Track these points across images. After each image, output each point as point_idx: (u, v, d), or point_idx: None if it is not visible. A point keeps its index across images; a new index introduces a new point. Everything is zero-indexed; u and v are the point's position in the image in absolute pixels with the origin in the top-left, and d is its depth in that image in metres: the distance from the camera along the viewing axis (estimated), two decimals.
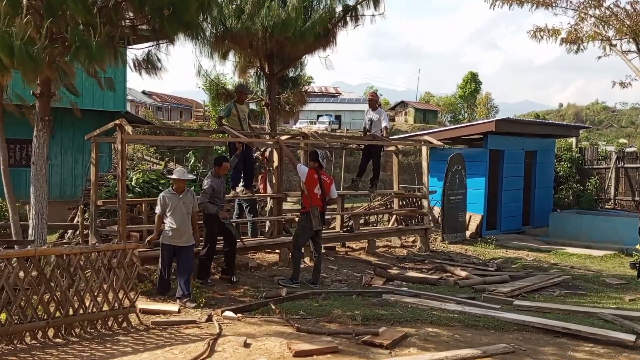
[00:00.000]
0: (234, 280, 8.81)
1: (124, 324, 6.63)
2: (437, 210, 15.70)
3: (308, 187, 9.11)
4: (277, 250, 10.76)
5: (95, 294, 6.46)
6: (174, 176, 8.00)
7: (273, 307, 7.50)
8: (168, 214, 7.78)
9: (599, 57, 17.07)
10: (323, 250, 11.83)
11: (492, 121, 16.23)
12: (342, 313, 7.27)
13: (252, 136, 10.31)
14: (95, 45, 6.69)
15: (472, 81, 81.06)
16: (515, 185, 17.23)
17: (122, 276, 6.67)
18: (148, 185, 11.21)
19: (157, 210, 7.90)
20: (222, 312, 7.18)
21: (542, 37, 13.97)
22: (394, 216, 13.91)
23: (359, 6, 11.77)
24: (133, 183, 11.00)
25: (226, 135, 10.29)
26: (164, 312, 7.13)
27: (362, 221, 14.67)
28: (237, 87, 11.36)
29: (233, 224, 9.38)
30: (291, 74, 14.08)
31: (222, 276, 8.96)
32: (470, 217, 15.67)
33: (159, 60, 8.88)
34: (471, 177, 15.55)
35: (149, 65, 8.68)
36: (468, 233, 15.36)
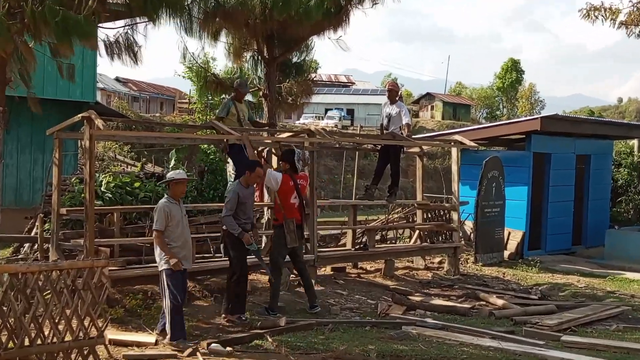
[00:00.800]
0: (245, 319, 8.55)
1: (90, 358, 6.64)
2: (469, 225, 15.64)
3: (282, 197, 9.12)
4: None
5: (56, 320, 6.48)
6: (173, 176, 7.57)
7: (270, 339, 7.49)
8: (170, 230, 7.37)
9: None
10: (330, 272, 11.84)
11: (536, 118, 16.19)
12: (353, 348, 7.25)
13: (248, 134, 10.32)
14: (82, 18, 6.70)
15: (513, 70, 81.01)
16: (564, 196, 17.16)
17: (88, 300, 6.68)
18: (121, 190, 11.25)
19: (158, 225, 7.36)
20: (209, 344, 7.18)
21: (596, 17, 13.93)
22: (417, 232, 13.88)
23: None
24: (103, 188, 11.04)
25: (216, 131, 10.31)
26: (139, 344, 7.15)
27: (378, 237, 14.63)
28: (236, 84, 11.39)
29: (261, 250, 9.34)
30: (295, 59, 14.10)
31: (228, 317, 8.58)
32: (509, 233, 15.61)
33: (135, 42, 8.93)
34: (511, 186, 15.50)
35: (124, 48, 8.71)
36: (506, 253, 15.31)
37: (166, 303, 7.32)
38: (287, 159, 9.33)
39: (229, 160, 11.00)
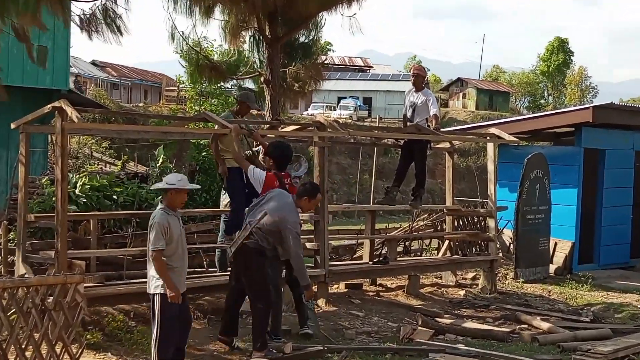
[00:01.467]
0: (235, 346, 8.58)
1: None
2: (508, 234, 15.59)
3: None
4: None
5: (23, 346, 6.50)
6: (175, 183, 7.18)
7: None
8: (169, 249, 7.05)
9: None
10: (343, 289, 11.84)
11: (588, 108, 16.10)
12: None
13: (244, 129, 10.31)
14: None
15: (560, 51, 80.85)
16: (622, 199, 17.07)
17: (61, 322, 6.71)
18: (98, 194, 11.30)
19: (159, 244, 6.99)
20: None
21: None
22: (447, 242, 13.86)
23: None
24: (77, 191, 11.10)
25: (209, 124, 10.33)
26: None
27: (400, 249, 14.62)
28: (242, 96, 11.00)
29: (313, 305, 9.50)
30: (302, 39, 14.14)
31: (221, 337, 8.56)
32: (556, 244, 15.56)
33: (115, 17, 8.98)
34: (558, 188, 15.45)
35: (104, 24, 8.75)
36: (552, 267, 15.26)
37: (154, 334, 7.05)
38: (273, 154, 9.21)
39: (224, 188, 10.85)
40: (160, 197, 7.47)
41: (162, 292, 7.01)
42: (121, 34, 9.07)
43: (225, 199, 11.08)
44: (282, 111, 15.01)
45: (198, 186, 8.93)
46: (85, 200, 11.06)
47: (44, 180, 11.75)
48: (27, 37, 8.27)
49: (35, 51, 8.77)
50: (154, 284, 7.10)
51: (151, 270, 7.16)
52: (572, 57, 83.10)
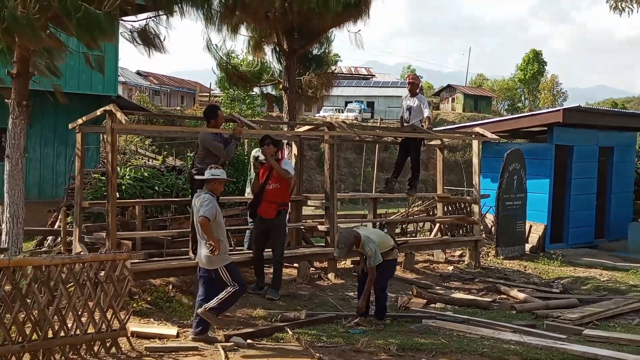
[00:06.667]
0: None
1: (113, 350, 6.70)
2: (490, 218, 15.56)
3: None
4: (295, 265, 10.79)
5: (79, 313, 6.55)
6: (219, 175, 7.51)
7: (290, 332, 7.52)
8: (216, 226, 7.29)
9: None
10: (349, 265, 11.85)
11: (558, 110, 16.01)
12: (373, 341, 7.25)
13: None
14: (102, 15, 6.76)
15: (535, 61, 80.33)
16: (587, 189, 17.00)
17: (111, 292, 6.75)
18: (142, 184, 11.32)
19: (209, 212, 7.15)
20: (229, 337, 7.22)
21: (623, 9, 13.70)
22: (437, 225, 13.84)
23: None
24: (125, 181, 11.11)
25: (235, 125, 10.30)
26: (160, 337, 7.21)
27: (398, 230, 14.61)
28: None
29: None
30: (315, 52, 14.09)
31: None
32: (531, 227, 15.51)
33: (157, 34, 8.98)
34: (532, 179, 15.39)
35: (147, 39, 8.76)
36: (528, 246, 15.21)
37: (230, 288, 7.21)
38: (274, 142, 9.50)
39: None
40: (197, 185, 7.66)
41: (224, 264, 7.27)
42: (162, 50, 9.07)
43: (249, 188, 11.09)
44: (298, 113, 15.00)
45: (233, 179, 9.13)
46: (129, 189, 11.09)
47: (96, 174, 11.76)
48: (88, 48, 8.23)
49: (93, 60, 8.78)
50: (215, 259, 7.24)
51: (204, 251, 7.27)
52: (545, 67, 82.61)
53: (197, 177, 7.73)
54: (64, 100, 9.39)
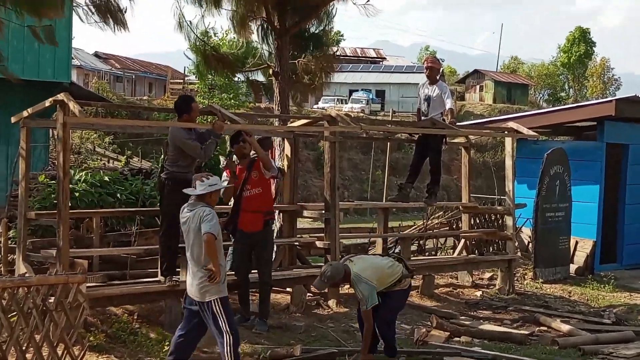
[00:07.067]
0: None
1: None
2: (526, 232, 15.54)
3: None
4: (288, 289, 10.78)
5: (24, 347, 6.53)
6: (224, 185, 7.70)
7: None
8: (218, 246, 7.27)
9: None
10: (342, 289, 11.83)
11: (610, 101, 16.00)
12: None
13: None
14: None
15: (581, 41, 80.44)
16: None
17: (62, 323, 6.73)
18: (101, 191, 11.31)
19: (214, 229, 7.13)
20: None
21: None
22: (463, 241, 13.83)
23: None
24: (79, 187, 11.11)
25: (215, 118, 10.30)
26: None
27: (414, 247, 14.60)
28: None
29: None
30: (312, 29, 14.11)
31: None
32: (577, 243, 15.51)
33: (118, 6, 8.99)
34: (579, 184, 15.39)
35: (105, 12, 8.75)
36: (573, 267, 15.21)
37: (225, 340, 7.14)
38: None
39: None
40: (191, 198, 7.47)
41: (220, 296, 7.15)
42: (116, 24, 9.07)
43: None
44: (293, 104, 15.00)
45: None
46: (87, 197, 11.08)
47: (41, 177, 11.75)
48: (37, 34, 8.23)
49: (42, 32, 8.72)
50: (208, 290, 7.15)
51: (198, 279, 7.18)
52: (594, 48, 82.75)
53: (189, 192, 7.45)
54: (16, 80, 9.30)
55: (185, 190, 7.49)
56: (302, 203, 12.65)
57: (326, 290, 10.10)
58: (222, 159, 10.08)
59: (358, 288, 7.98)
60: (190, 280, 7.29)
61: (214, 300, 7.12)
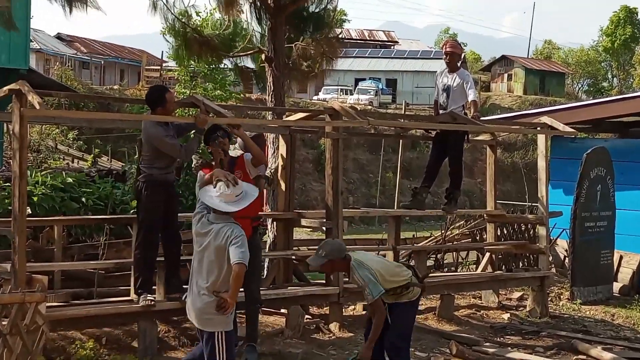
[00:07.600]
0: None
1: None
2: (562, 245, 15.56)
3: None
4: (283, 310, 10.80)
5: None
6: (255, 195, 7.60)
7: None
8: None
9: None
10: (361, 311, 11.85)
11: None
12: None
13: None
14: None
15: (627, 23, 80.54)
16: None
17: (18, 349, 6.74)
18: (64, 195, 11.33)
19: (247, 259, 7.08)
20: None
21: None
22: (488, 255, 13.85)
23: None
24: (39, 191, 11.13)
25: (197, 111, 10.32)
26: None
27: (431, 262, 14.62)
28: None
29: None
30: (312, 8, 14.14)
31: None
32: (622, 258, 15.53)
33: None
34: (624, 189, 15.42)
35: None
36: (617, 286, 15.23)
37: None
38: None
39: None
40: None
41: (226, 329, 7.16)
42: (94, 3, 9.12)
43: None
44: (288, 95, 15.02)
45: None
46: (47, 202, 11.10)
47: None
48: None
49: None
50: (212, 319, 7.16)
51: (203, 303, 7.16)
52: None
53: (221, 207, 7.21)
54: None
55: (213, 204, 7.24)
56: (300, 210, 12.67)
57: (322, 272, 10.01)
58: (194, 158, 9.92)
59: (358, 274, 7.92)
60: (192, 301, 7.27)
61: (217, 332, 7.13)
